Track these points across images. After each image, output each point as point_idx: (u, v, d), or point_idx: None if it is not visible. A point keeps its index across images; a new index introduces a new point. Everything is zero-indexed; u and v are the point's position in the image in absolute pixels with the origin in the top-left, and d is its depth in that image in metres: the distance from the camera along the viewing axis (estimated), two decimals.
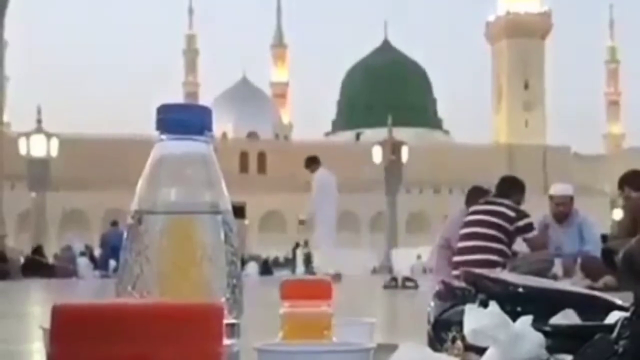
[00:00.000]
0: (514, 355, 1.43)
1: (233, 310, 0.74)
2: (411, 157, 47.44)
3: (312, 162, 14.53)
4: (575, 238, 9.14)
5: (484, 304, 1.55)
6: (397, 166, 45.13)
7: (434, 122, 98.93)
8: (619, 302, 1.67)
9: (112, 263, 22.53)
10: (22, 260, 24.96)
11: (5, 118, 47.73)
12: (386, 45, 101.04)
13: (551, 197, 9.43)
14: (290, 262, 46.13)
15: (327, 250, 14.47)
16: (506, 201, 8.17)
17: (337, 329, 1.04)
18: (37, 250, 26.95)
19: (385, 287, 11.89)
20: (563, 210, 9.24)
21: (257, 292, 10.24)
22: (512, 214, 8.04)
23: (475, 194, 9.44)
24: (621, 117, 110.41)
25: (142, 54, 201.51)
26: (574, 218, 9.30)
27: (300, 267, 35.47)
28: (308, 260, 36.97)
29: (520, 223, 8.05)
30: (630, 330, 1.34)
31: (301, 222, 14.64)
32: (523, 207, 8.39)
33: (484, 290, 1.69)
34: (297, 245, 39.53)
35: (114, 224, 25.84)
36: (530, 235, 8.17)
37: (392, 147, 45.29)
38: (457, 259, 8.08)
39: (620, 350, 1.33)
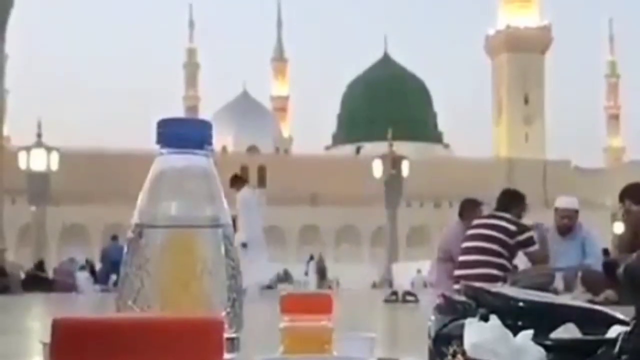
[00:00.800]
0: None
1: (233, 324, 0.74)
2: (411, 171, 47.47)
3: (237, 181, 14.64)
4: (578, 251, 9.14)
5: (485, 318, 1.55)
6: (397, 180, 45.18)
7: (434, 136, 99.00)
8: (620, 316, 1.67)
9: (112, 277, 22.52)
10: (22, 275, 24.96)
11: (5, 132, 47.80)
12: (386, 59, 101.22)
13: (556, 210, 9.42)
14: (289, 277, 46.14)
15: (260, 265, 14.71)
16: (507, 215, 8.17)
17: (337, 344, 1.04)
18: (39, 266, 26.96)
19: (386, 301, 11.89)
20: (567, 224, 9.24)
21: (257, 306, 10.22)
22: (512, 227, 8.04)
23: (469, 207, 9.49)
24: (621, 131, 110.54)
25: (142, 68, 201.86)
26: (577, 232, 9.30)
27: (313, 280, 35.62)
28: (323, 273, 37.22)
29: (521, 237, 8.06)
30: (632, 345, 1.33)
31: (244, 245, 14.74)
32: (524, 220, 8.40)
33: (484, 305, 1.69)
34: (311, 257, 39.59)
35: (114, 238, 25.86)
36: (531, 249, 8.17)
37: (393, 161, 45.35)
38: (458, 272, 8.09)
39: None
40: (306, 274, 38.23)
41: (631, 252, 1.27)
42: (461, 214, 9.44)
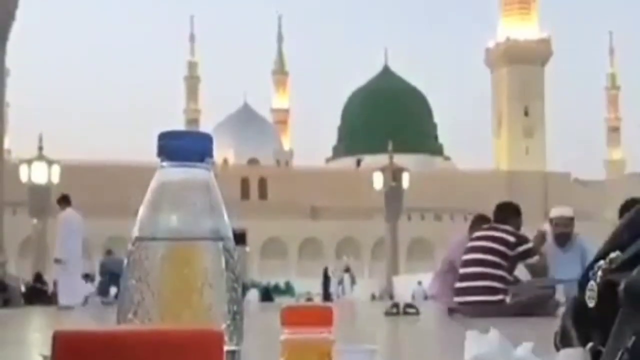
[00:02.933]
0: None
1: (233, 337, 0.74)
2: (412, 183, 47.43)
3: (62, 202, 15.61)
4: (577, 263, 9.13)
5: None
6: (397, 192, 45.16)
7: (434, 148, 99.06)
8: None
9: (112, 290, 22.56)
10: (23, 288, 24.93)
11: (7, 144, 47.87)
12: (387, 72, 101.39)
13: (551, 220, 9.47)
14: (290, 289, 46.12)
15: (76, 281, 15.62)
16: (507, 227, 8.17)
17: (338, 356, 1.04)
18: (37, 278, 26.93)
19: (387, 313, 11.84)
20: (564, 231, 9.25)
21: (257, 319, 10.21)
22: (512, 239, 8.04)
23: (480, 222, 9.44)
24: (621, 143, 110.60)
25: (143, 81, 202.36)
26: (575, 242, 9.31)
27: (349, 293, 35.69)
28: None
29: (521, 249, 8.05)
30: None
31: (57, 261, 15.71)
32: (523, 231, 8.39)
33: None
34: (346, 270, 39.49)
35: (109, 252, 26.11)
36: (531, 260, 8.16)
37: (393, 174, 45.37)
38: (459, 285, 8.08)
39: None
40: (340, 282, 38.53)
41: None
42: (471, 230, 9.39)
